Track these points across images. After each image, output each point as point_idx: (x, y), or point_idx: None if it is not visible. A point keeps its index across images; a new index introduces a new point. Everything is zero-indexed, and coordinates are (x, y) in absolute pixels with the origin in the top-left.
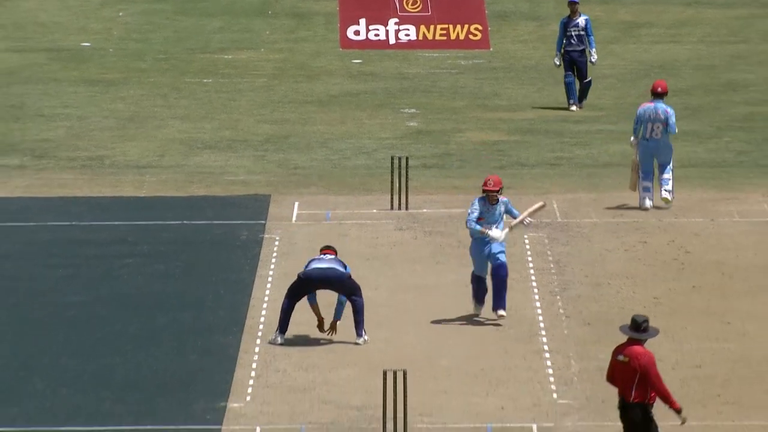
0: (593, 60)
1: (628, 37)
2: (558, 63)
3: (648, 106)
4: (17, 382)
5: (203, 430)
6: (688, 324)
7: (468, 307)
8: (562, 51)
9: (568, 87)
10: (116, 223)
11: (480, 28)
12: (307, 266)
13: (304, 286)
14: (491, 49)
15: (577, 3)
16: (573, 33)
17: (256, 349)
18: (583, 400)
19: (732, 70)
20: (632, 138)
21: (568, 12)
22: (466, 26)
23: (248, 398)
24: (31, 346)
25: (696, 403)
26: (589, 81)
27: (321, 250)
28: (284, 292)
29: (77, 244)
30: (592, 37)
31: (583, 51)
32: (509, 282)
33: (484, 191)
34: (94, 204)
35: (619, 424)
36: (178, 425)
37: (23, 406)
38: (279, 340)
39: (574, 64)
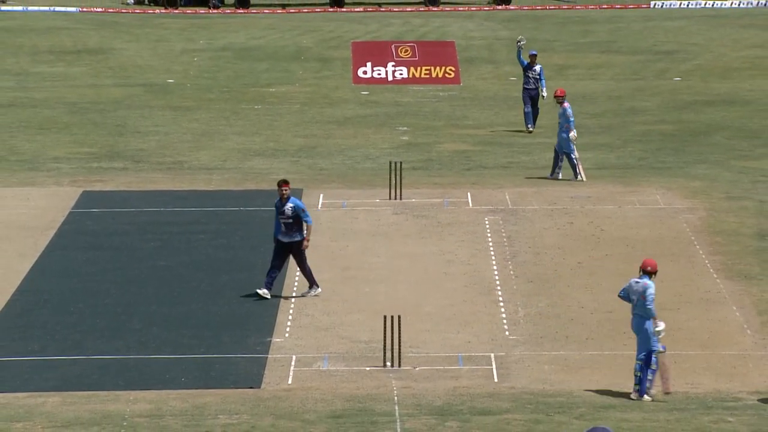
0: (544, 95)
1: (560, 76)
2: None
3: (569, 106)
4: (121, 323)
5: (254, 357)
6: (603, 281)
7: (443, 268)
8: (522, 88)
9: (526, 115)
10: (192, 209)
11: (453, 69)
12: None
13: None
14: (461, 84)
15: (536, 55)
16: (531, 76)
17: (293, 299)
18: (527, 336)
19: (634, 99)
20: (573, 132)
21: (521, 59)
22: (443, 68)
23: (287, 335)
24: (132, 297)
25: (608, 338)
26: (538, 109)
27: (279, 184)
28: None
29: (164, 224)
30: (543, 80)
31: (537, 89)
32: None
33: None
34: (176, 195)
35: (554, 352)
36: (237, 354)
37: (125, 340)
38: (312, 292)
39: (531, 98)
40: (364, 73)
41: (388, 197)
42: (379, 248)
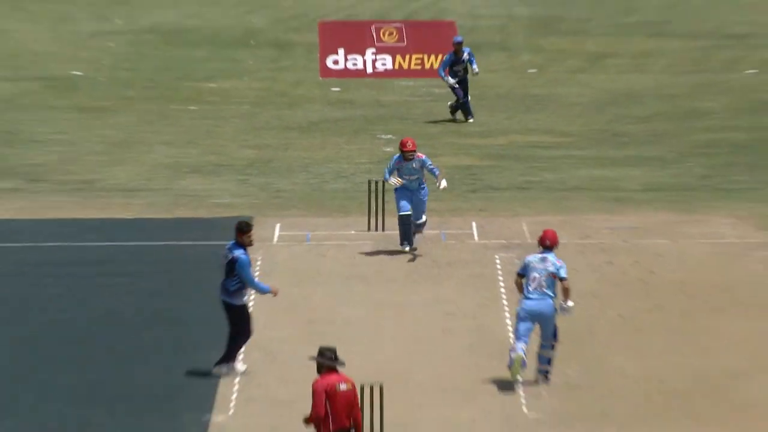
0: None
1: (596, 68)
2: None
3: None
4: (11, 397)
5: None
6: (652, 340)
7: (441, 322)
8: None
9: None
10: (105, 244)
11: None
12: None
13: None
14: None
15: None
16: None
17: (239, 365)
18: (552, 414)
19: (694, 98)
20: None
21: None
22: (440, 56)
23: (231, 412)
24: (24, 362)
25: (658, 416)
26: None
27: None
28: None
29: (68, 264)
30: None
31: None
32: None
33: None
34: (84, 226)
35: None
36: None
37: (17, 419)
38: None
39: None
40: (335, 63)
41: (366, 228)
42: (354, 296)
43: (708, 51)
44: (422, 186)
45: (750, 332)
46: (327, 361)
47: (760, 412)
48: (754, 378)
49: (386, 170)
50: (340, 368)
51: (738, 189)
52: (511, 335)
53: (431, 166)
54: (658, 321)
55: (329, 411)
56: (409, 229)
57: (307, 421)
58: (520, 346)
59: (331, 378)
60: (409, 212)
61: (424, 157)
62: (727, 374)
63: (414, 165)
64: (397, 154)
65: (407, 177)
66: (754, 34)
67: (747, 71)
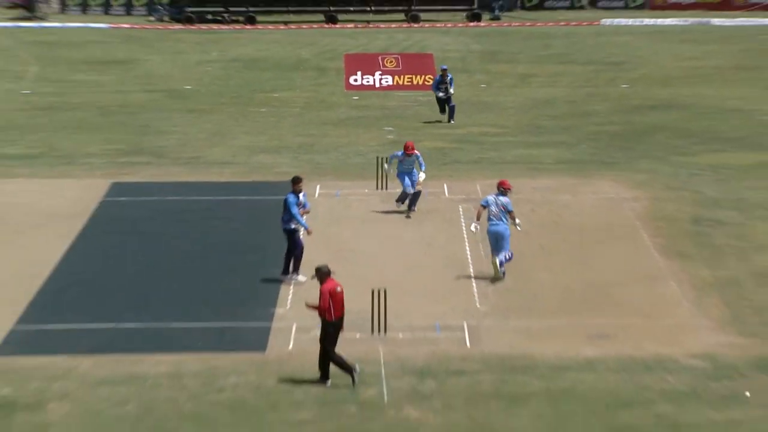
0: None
1: (524, 83)
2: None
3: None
4: (146, 297)
5: (261, 326)
6: (561, 262)
7: (423, 249)
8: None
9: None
10: (207, 198)
11: (431, 77)
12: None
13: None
14: None
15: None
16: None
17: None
18: (496, 308)
19: (587, 103)
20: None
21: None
22: (423, 76)
23: (288, 307)
24: (155, 275)
25: (564, 311)
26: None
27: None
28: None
29: (183, 211)
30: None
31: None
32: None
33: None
34: (193, 186)
35: (519, 322)
36: (246, 322)
37: (149, 311)
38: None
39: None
40: (355, 80)
41: (375, 188)
42: (368, 232)
43: (596, 72)
44: (414, 172)
45: (623, 256)
46: (325, 272)
47: (632, 307)
48: (627, 286)
49: (391, 156)
50: (333, 276)
51: (615, 163)
52: (470, 258)
53: (421, 162)
54: (565, 249)
55: (331, 305)
56: (406, 197)
57: (309, 306)
58: (498, 258)
59: (331, 283)
60: (410, 190)
61: (418, 153)
62: (609, 283)
63: (412, 159)
64: (401, 151)
65: (407, 166)
66: (626, 62)
67: (622, 86)
